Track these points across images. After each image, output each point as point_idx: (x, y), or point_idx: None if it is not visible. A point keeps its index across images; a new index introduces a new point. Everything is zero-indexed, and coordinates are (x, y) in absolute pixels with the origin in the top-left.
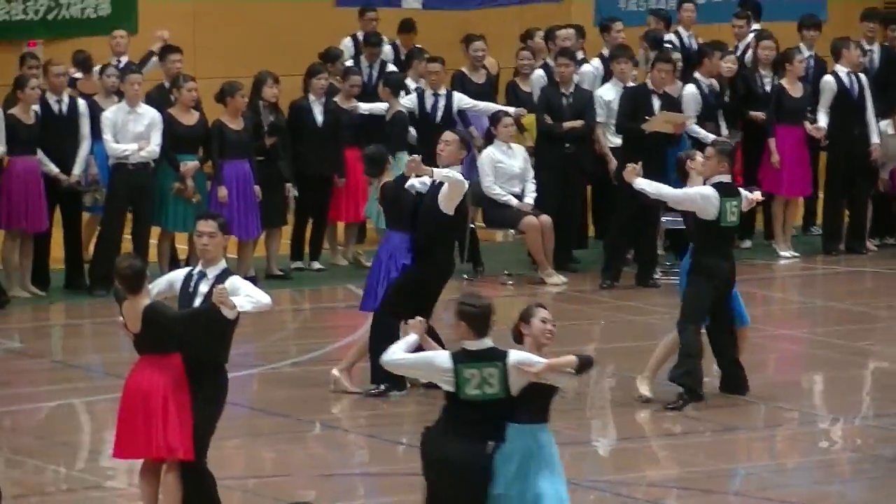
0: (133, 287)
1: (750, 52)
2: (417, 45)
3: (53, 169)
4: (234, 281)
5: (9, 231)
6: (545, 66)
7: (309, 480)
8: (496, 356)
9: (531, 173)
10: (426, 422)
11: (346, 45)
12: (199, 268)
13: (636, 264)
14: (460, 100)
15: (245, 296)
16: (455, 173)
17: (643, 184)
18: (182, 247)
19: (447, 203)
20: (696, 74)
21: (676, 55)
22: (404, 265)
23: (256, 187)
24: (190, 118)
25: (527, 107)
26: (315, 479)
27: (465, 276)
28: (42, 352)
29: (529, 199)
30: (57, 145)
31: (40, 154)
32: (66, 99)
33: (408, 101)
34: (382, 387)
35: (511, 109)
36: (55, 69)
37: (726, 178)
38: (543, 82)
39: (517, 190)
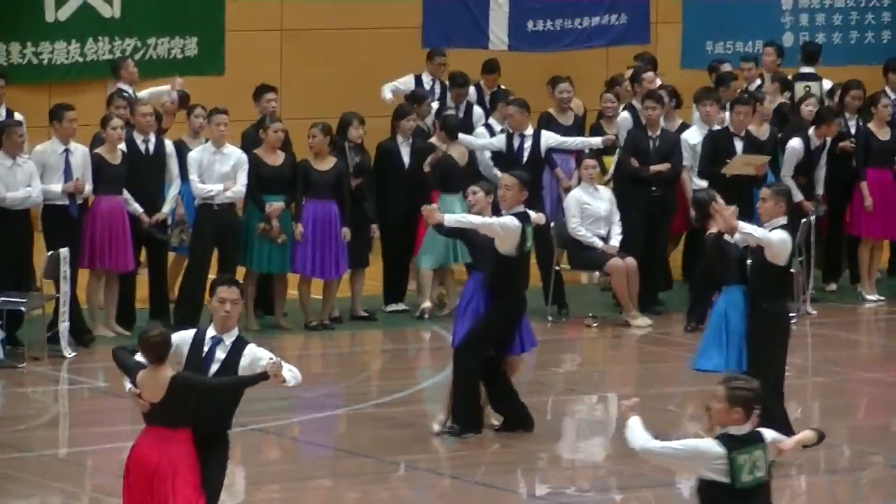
0: (162, 355)
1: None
2: (502, 86)
3: (138, 209)
4: (255, 350)
5: (93, 271)
6: (630, 108)
7: None
8: (757, 437)
9: (617, 215)
10: (507, 462)
11: (406, 82)
12: (212, 332)
13: None
14: (548, 138)
15: (288, 370)
16: (471, 218)
17: (748, 228)
18: None
19: (500, 245)
20: (810, 132)
21: (761, 97)
22: (482, 306)
23: (345, 229)
24: (276, 158)
25: (611, 151)
26: None
27: (550, 318)
28: (125, 392)
29: (615, 241)
30: (142, 185)
31: (125, 193)
32: (152, 139)
33: (496, 142)
34: (456, 426)
35: (598, 140)
36: (142, 109)
37: (784, 220)
38: (629, 125)
39: (603, 232)
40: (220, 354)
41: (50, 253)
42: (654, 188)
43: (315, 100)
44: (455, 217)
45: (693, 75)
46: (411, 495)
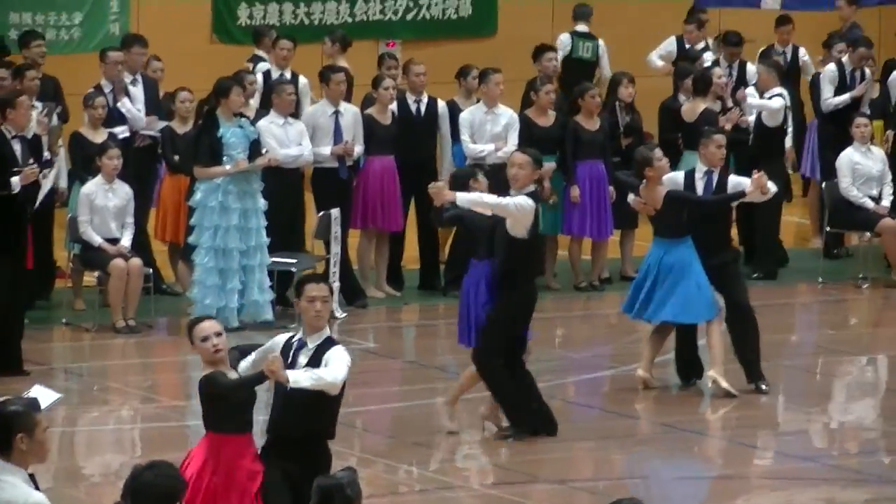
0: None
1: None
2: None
3: None
4: (333, 352)
5: (364, 230)
6: None
7: (661, 483)
8: None
9: (889, 176)
10: (775, 424)
11: (667, 45)
12: (299, 335)
13: None
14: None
15: (312, 370)
16: (486, 197)
17: None
18: None
19: (513, 227)
20: None
21: None
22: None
23: (610, 188)
24: (547, 119)
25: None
26: (668, 482)
27: (820, 279)
28: (395, 352)
29: (886, 201)
30: (413, 145)
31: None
32: (424, 99)
33: (754, 101)
34: (510, 430)
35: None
36: (415, 69)
37: None
38: None
39: (875, 192)
40: (303, 360)
41: (321, 213)
42: None
43: None
44: (468, 196)
45: None
46: (675, 456)
